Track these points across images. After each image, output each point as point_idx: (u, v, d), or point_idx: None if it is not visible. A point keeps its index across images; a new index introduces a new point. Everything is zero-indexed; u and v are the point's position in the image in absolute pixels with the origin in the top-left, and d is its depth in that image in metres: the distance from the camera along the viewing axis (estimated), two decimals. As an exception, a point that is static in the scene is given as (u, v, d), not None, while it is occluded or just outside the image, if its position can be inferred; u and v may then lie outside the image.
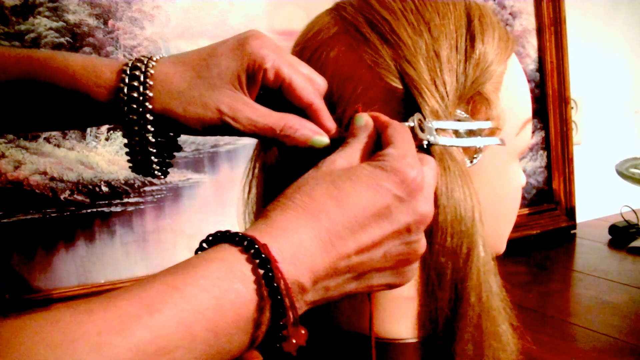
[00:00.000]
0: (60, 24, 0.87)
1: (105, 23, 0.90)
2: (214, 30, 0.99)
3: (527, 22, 1.39)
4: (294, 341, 0.34)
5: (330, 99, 0.46)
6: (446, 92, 0.44)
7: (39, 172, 0.87)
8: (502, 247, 0.54)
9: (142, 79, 0.42)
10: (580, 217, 1.46)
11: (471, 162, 0.46)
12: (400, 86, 0.44)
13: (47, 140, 0.87)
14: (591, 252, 1.30)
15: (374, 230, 0.37)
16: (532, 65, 1.39)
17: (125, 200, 0.93)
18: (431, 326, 0.43)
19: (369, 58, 0.44)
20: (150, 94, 0.42)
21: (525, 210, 1.37)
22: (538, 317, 0.95)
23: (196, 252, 0.34)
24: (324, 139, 0.43)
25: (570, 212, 1.43)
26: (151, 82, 0.42)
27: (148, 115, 0.42)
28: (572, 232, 1.42)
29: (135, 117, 0.43)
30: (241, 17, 1.01)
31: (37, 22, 0.85)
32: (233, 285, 0.32)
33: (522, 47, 1.38)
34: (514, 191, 0.52)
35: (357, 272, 0.37)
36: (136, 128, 0.43)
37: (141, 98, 0.42)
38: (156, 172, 0.46)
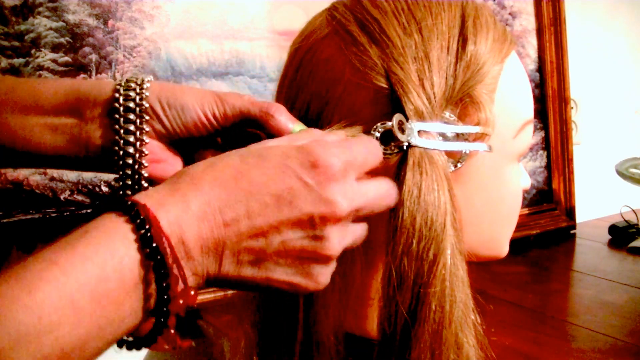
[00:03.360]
0: (60, 24, 0.87)
1: (105, 23, 0.90)
2: (214, 30, 0.99)
3: (527, 22, 1.39)
4: (181, 301, 0.32)
5: (320, 101, 0.46)
6: (434, 93, 0.43)
7: (38, 172, 0.86)
8: (502, 250, 0.53)
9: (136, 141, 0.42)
10: (580, 217, 1.46)
11: (455, 166, 0.45)
12: (386, 86, 0.43)
13: (47, 140, 0.87)
14: (591, 252, 1.30)
15: (271, 213, 0.35)
16: (532, 65, 1.39)
17: (125, 200, 0.93)
18: (389, 328, 0.42)
19: (357, 59, 0.44)
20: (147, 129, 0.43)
21: (525, 210, 1.37)
22: (538, 317, 0.95)
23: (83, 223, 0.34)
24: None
25: (570, 212, 1.43)
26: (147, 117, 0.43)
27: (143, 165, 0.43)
28: (572, 232, 1.42)
29: (130, 172, 0.43)
30: (241, 17, 1.01)
31: (37, 22, 0.85)
32: (115, 250, 0.31)
33: (522, 47, 1.38)
34: (513, 194, 0.51)
35: (253, 256, 0.36)
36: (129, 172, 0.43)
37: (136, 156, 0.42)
38: None
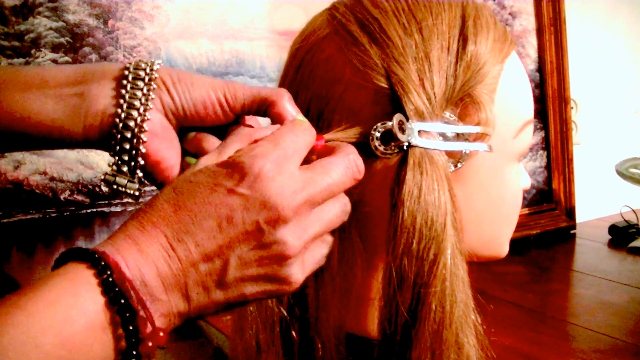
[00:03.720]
0: (60, 24, 0.87)
1: (105, 23, 0.90)
2: (214, 30, 0.99)
3: (527, 22, 1.39)
4: (150, 344, 0.33)
5: (320, 101, 0.46)
6: (434, 94, 0.43)
7: (39, 172, 0.87)
8: (502, 250, 0.53)
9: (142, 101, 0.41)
10: (580, 217, 1.46)
11: (455, 166, 0.45)
12: (386, 86, 0.43)
13: (47, 140, 0.87)
14: (591, 252, 1.30)
15: (217, 234, 0.35)
16: (532, 65, 1.39)
17: (125, 200, 0.93)
18: (390, 328, 0.42)
19: (357, 59, 0.44)
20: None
21: (525, 210, 1.37)
22: (538, 317, 0.95)
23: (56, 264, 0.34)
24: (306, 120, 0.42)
25: (570, 212, 1.43)
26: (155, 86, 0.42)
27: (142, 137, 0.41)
28: (572, 232, 1.42)
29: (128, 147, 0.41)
30: (241, 17, 1.01)
31: (37, 22, 0.85)
32: (79, 295, 0.31)
33: (522, 47, 1.38)
34: (513, 194, 0.51)
35: (216, 278, 0.35)
36: (126, 158, 0.42)
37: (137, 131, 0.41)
38: (135, 192, 0.43)
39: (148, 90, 0.41)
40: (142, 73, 0.41)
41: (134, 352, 0.32)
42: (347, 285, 0.48)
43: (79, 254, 0.33)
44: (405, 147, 0.42)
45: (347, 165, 0.39)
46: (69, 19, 0.87)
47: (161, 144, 0.42)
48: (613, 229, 1.36)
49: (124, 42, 0.92)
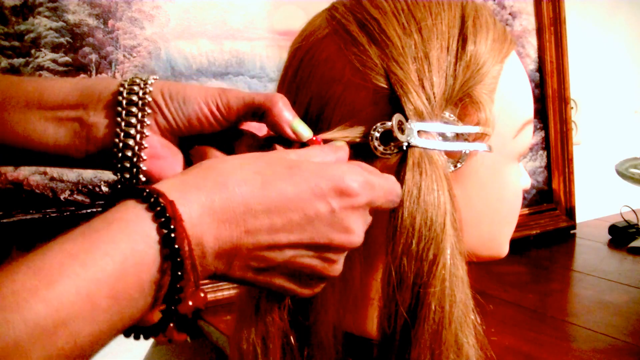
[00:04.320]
0: (60, 24, 0.87)
1: (105, 23, 0.90)
2: (214, 30, 0.99)
3: (527, 22, 1.39)
4: (190, 303, 0.33)
5: (319, 101, 0.46)
6: (433, 94, 0.43)
7: (39, 172, 0.87)
8: (502, 250, 0.53)
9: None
10: (580, 217, 1.46)
11: (454, 166, 0.45)
12: (386, 86, 0.43)
13: (47, 140, 0.87)
14: (591, 252, 1.30)
15: (293, 230, 0.36)
16: (532, 65, 1.39)
17: (125, 200, 0.93)
18: (389, 329, 0.42)
19: (357, 59, 0.44)
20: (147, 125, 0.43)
21: (525, 210, 1.37)
22: (538, 317, 0.95)
23: (103, 209, 0.33)
24: (306, 128, 0.43)
25: (570, 212, 1.43)
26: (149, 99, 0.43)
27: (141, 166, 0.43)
28: (572, 232, 1.42)
29: (128, 165, 0.42)
30: (241, 17, 1.01)
31: (37, 22, 0.85)
32: (136, 247, 0.31)
33: (522, 47, 1.38)
34: (512, 194, 0.51)
35: (263, 265, 0.36)
36: (127, 175, 0.43)
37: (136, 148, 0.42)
38: None
39: (142, 116, 0.42)
40: (135, 98, 0.42)
41: (173, 309, 0.32)
42: (346, 285, 0.48)
43: (142, 193, 0.32)
44: (404, 147, 0.42)
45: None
46: (69, 19, 0.87)
47: (162, 162, 0.44)
48: (613, 229, 1.36)
49: (124, 42, 0.92)
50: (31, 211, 0.87)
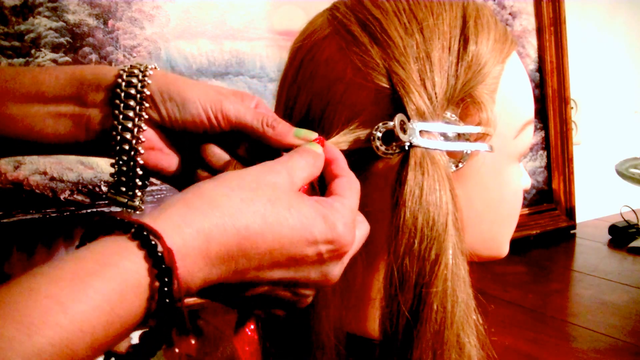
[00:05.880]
0: (60, 24, 0.86)
1: (105, 23, 0.90)
2: (213, 30, 0.99)
3: (527, 22, 1.39)
4: (177, 351, 0.32)
5: (321, 101, 0.46)
6: (435, 94, 0.43)
7: (39, 172, 0.86)
8: (502, 250, 0.53)
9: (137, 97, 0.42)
10: (580, 217, 1.46)
11: (456, 166, 0.45)
12: (388, 86, 0.43)
13: (47, 140, 0.87)
14: (591, 252, 1.30)
15: (278, 270, 0.36)
16: (532, 65, 1.39)
17: (125, 200, 0.93)
18: (391, 329, 0.42)
19: (358, 59, 0.44)
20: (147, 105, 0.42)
21: (525, 210, 1.37)
22: (538, 317, 0.95)
23: (85, 238, 0.31)
24: (308, 131, 0.43)
25: (570, 212, 1.43)
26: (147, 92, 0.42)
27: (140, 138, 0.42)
28: (572, 232, 1.42)
29: (127, 147, 0.42)
30: (241, 17, 1.01)
31: (37, 22, 0.85)
32: (125, 298, 0.29)
33: (522, 47, 1.38)
34: (513, 194, 0.51)
35: (239, 293, 0.37)
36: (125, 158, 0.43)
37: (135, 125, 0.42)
38: (135, 202, 0.45)
39: (140, 109, 0.42)
40: (133, 91, 0.42)
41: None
42: (348, 285, 0.48)
43: (133, 230, 0.30)
44: (406, 147, 0.42)
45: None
46: (69, 19, 0.87)
47: (159, 154, 0.43)
48: (613, 229, 1.36)
49: (124, 42, 0.92)
50: (31, 211, 0.87)
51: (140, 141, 0.42)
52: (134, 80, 0.42)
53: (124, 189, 0.44)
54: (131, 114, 0.42)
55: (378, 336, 0.44)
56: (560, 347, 0.84)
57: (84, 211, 0.90)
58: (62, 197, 0.89)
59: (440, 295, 0.41)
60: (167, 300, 0.30)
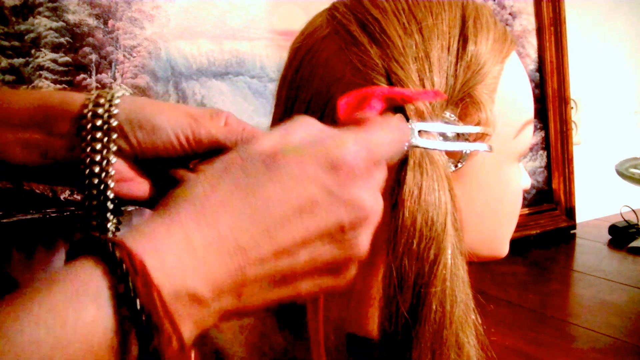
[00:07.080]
0: (60, 24, 0.87)
1: (105, 23, 0.90)
2: (213, 30, 0.99)
3: (527, 22, 1.39)
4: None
5: (320, 101, 0.46)
6: None
7: (39, 172, 0.87)
8: (502, 250, 0.53)
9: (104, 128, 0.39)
10: (580, 217, 1.46)
11: (455, 166, 0.45)
12: (387, 86, 0.43)
13: (47, 140, 0.87)
14: (591, 252, 1.30)
15: (295, 229, 0.31)
16: (532, 65, 1.39)
17: (125, 200, 0.93)
18: (390, 329, 0.42)
19: (357, 59, 0.44)
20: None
21: (525, 210, 1.37)
22: (538, 317, 0.95)
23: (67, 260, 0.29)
24: None
25: (570, 212, 1.43)
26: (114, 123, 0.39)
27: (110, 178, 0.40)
28: (572, 232, 1.42)
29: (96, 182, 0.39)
30: (241, 17, 1.01)
31: (37, 22, 0.85)
32: (82, 312, 0.26)
33: (522, 47, 1.38)
34: (513, 194, 0.51)
35: (279, 277, 0.32)
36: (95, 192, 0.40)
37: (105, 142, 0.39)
38: (109, 229, 0.41)
39: (108, 141, 0.39)
40: (99, 122, 0.39)
41: None
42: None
43: (94, 246, 0.28)
44: (405, 147, 0.42)
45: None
46: (69, 19, 0.87)
47: (132, 184, 0.41)
48: (613, 229, 1.36)
49: (124, 42, 0.92)
50: (31, 211, 0.87)
51: (109, 175, 0.39)
52: (100, 110, 0.39)
53: (95, 224, 0.41)
54: (99, 146, 0.39)
55: (377, 336, 0.44)
56: (560, 347, 0.84)
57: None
58: (62, 197, 0.89)
59: (439, 296, 0.41)
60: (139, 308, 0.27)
